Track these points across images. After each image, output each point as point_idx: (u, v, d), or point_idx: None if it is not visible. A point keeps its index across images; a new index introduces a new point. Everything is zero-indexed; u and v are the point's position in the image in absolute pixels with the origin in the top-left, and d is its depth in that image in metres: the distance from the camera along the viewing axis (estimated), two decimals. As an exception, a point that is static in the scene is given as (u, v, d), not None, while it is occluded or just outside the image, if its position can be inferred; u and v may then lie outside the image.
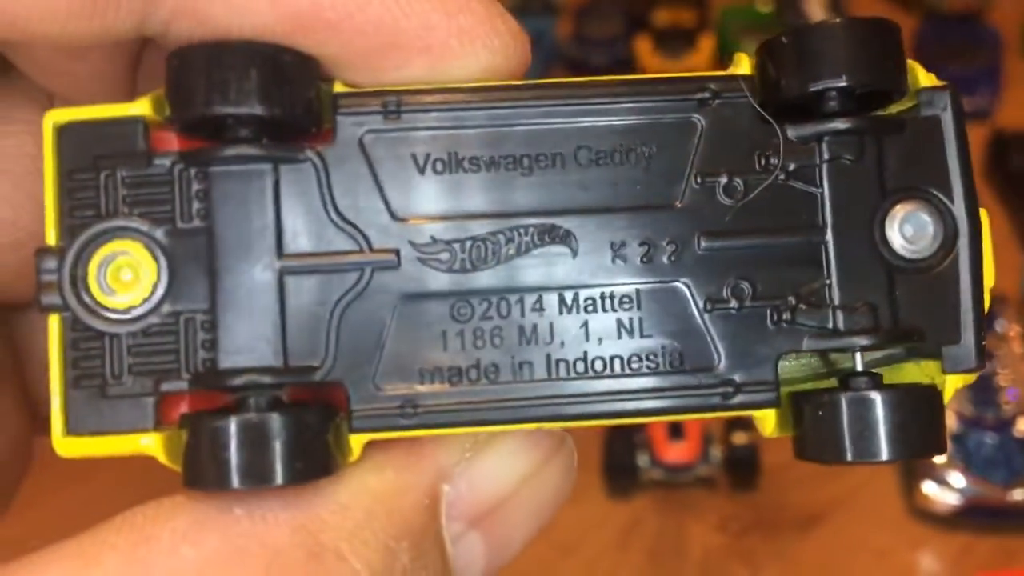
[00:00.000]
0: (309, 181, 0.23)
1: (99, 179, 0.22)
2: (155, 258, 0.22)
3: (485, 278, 0.23)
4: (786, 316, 0.23)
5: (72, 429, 0.22)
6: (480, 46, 0.23)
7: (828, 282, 0.23)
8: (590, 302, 0.23)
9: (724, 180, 0.23)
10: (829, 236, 0.23)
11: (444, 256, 0.23)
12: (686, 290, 0.23)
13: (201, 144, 0.22)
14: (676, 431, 0.71)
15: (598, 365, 0.23)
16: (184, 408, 0.22)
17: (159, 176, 0.22)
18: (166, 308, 0.22)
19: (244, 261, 0.22)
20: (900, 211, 0.24)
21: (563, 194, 0.23)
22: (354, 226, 0.23)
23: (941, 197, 0.24)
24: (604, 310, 0.23)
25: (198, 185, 0.22)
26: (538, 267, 0.23)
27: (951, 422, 0.71)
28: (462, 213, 0.23)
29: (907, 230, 0.24)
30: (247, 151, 0.22)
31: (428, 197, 0.23)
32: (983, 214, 0.24)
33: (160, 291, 0.22)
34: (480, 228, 0.23)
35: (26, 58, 0.25)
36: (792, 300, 0.23)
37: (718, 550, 0.72)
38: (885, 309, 0.23)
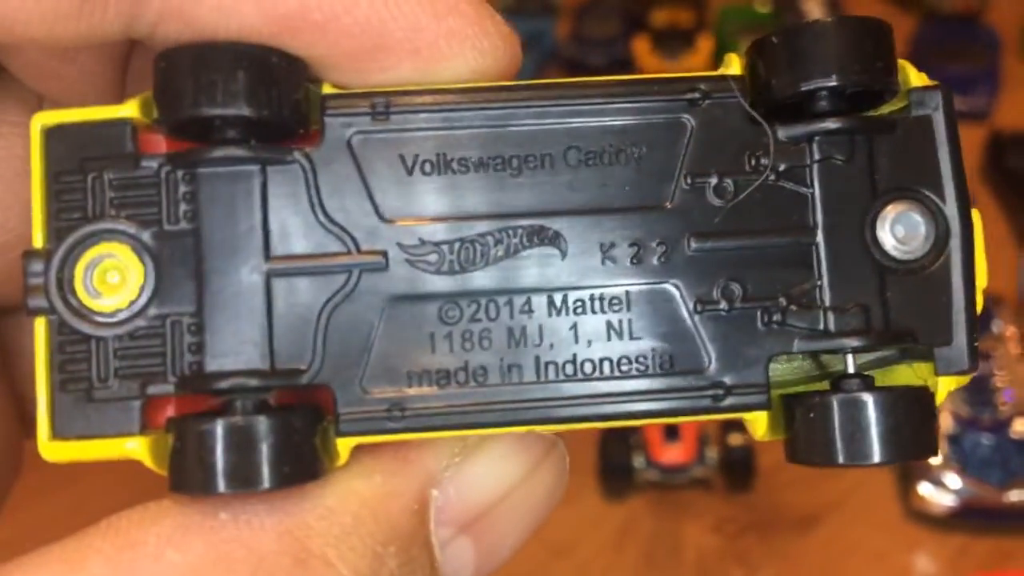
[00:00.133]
0: (297, 183, 0.22)
1: (86, 181, 0.22)
2: (142, 261, 0.22)
3: (474, 280, 0.23)
4: (777, 317, 0.23)
5: (58, 433, 0.21)
6: (469, 48, 0.23)
7: (819, 283, 0.23)
8: (579, 304, 0.23)
9: (714, 181, 0.23)
10: (820, 237, 0.23)
11: (432, 258, 0.23)
12: (676, 291, 0.23)
13: (189, 146, 0.22)
14: (672, 432, 0.71)
15: (588, 367, 0.23)
16: (170, 412, 0.22)
17: (146, 178, 0.22)
18: (153, 311, 0.22)
19: (231, 263, 0.22)
20: (891, 211, 0.24)
21: (553, 195, 0.23)
22: (342, 228, 0.22)
23: (933, 197, 0.24)
24: (594, 312, 0.23)
25: (185, 187, 0.22)
26: (527, 269, 0.23)
27: (947, 423, 0.71)
28: (451, 215, 0.23)
29: (898, 231, 0.23)
30: (235, 152, 0.22)
31: (417, 199, 0.23)
32: (975, 214, 0.24)
33: (147, 294, 0.22)
34: (469, 230, 0.23)
35: (15, 60, 0.25)
36: (783, 301, 0.23)
37: (714, 551, 0.71)
38: (877, 310, 0.23)
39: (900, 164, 0.24)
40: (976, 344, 0.23)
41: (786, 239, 0.23)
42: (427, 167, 0.23)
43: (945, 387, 0.23)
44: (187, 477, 0.21)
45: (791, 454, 0.24)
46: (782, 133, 0.23)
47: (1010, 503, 0.69)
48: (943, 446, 0.70)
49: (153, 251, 0.22)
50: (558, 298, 0.23)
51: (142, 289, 0.22)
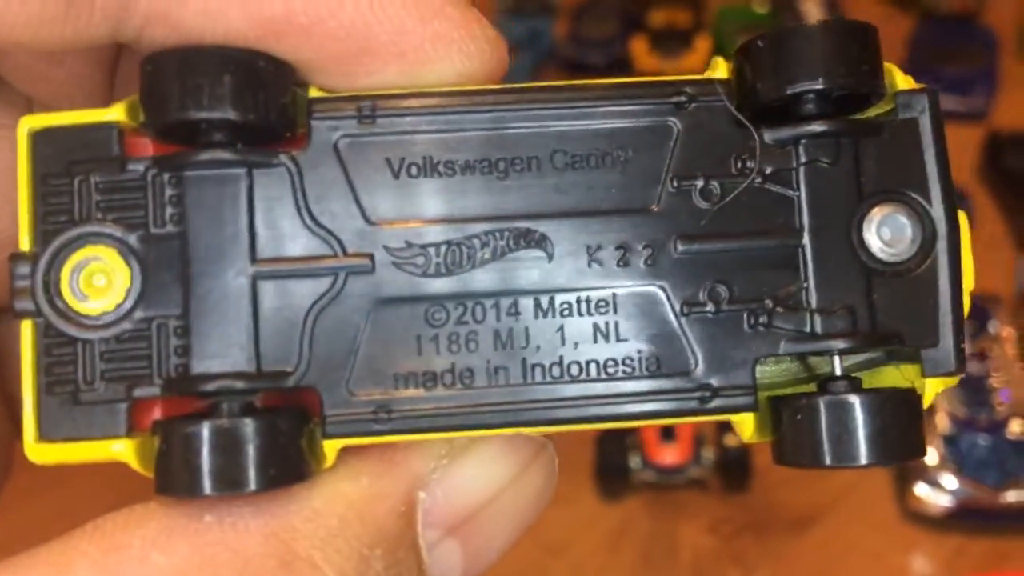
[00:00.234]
0: (283, 186, 0.22)
1: (73, 184, 0.22)
2: (128, 264, 0.22)
3: (460, 283, 0.23)
4: (763, 320, 0.23)
5: (44, 435, 0.22)
6: (455, 51, 0.23)
7: (805, 285, 0.23)
8: (566, 306, 0.23)
9: (700, 184, 0.23)
10: (806, 239, 0.23)
11: (419, 261, 0.23)
12: (662, 294, 0.23)
13: (176, 150, 0.22)
14: (668, 433, 0.71)
15: (574, 370, 0.23)
16: (157, 414, 0.22)
17: (133, 181, 0.22)
18: (139, 314, 0.22)
19: (217, 266, 0.22)
20: (878, 214, 0.24)
21: (539, 198, 0.23)
22: (328, 231, 0.23)
23: (919, 200, 0.24)
24: (580, 314, 0.23)
25: (172, 190, 0.22)
26: (514, 271, 0.23)
27: (943, 424, 0.71)
28: (438, 218, 0.23)
29: (885, 233, 0.24)
30: (221, 156, 0.22)
31: (403, 202, 0.23)
32: (962, 217, 0.24)
33: (133, 297, 0.22)
34: (456, 232, 0.23)
35: (3, 63, 0.25)
36: (769, 303, 0.23)
37: (710, 552, 0.71)
38: (863, 312, 0.23)
39: (886, 167, 0.24)
40: (963, 346, 0.23)
41: (772, 241, 0.23)
42: (414, 170, 0.23)
43: (932, 389, 0.23)
44: (173, 479, 0.21)
45: (778, 456, 0.24)
46: (768, 136, 0.23)
47: (1006, 504, 0.69)
48: (939, 447, 0.70)
49: (139, 254, 0.22)
50: (544, 300, 0.23)
51: (128, 292, 0.22)
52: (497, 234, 0.23)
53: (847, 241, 0.23)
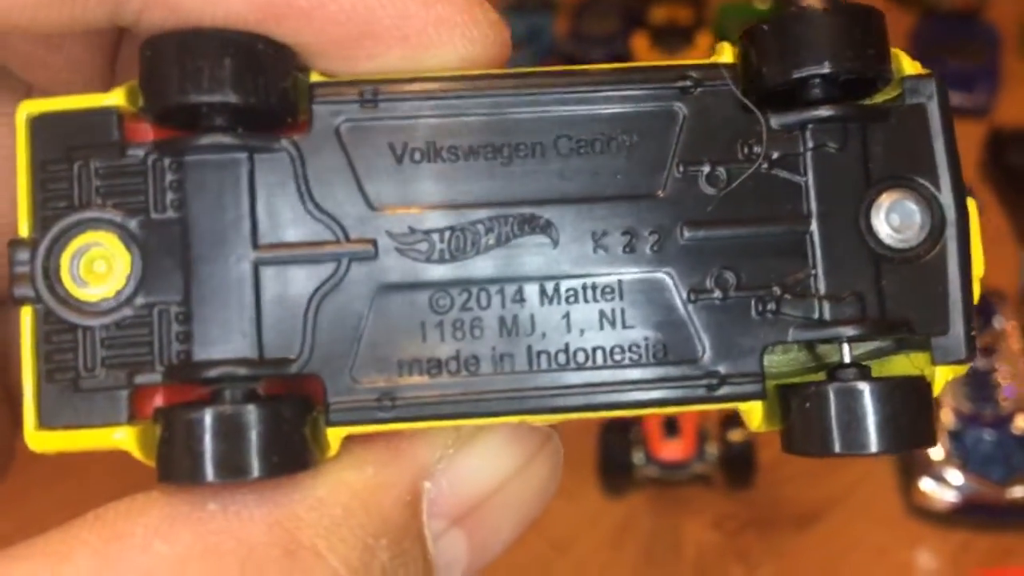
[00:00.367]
0: (285, 171, 0.22)
1: (72, 170, 0.22)
2: (129, 249, 0.22)
3: (465, 269, 0.23)
4: (771, 306, 0.23)
5: (44, 423, 0.21)
6: (458, 36, 0.23)
7: (813, 272, 0.23)
8: (572, 293, 0.23)
9: (707, 169, 0.23)
10: (814, 225, 0.23)
11: (422, 246, 0.22)
12: (669, 280, 0.23)
13: (176, 135, 0.22)
14: (671, 428, 0.71)
15: (580, 357, 0.23)
16: (158, 402, 0.22)
17: (133, 167, 0.22)
18: (140, 300, 0.22)
19: (219, 252, 0.22)
20: (886, 200, 0.23)
21: (543, 183, 0.23)
22: (331, 216, 0.22)
23: (928, 186, 0.23)
24: (586, 301, 0.23)
25: (172, 176, 0.22)
26: (519, 257, 0.23)
27: (949, 419, 0.71)
28: (441, 203, 0.23)
29: (893, 219, 0.23)
30: (222, 140, 0.22)
31: (406, 187, 0.23)
32: (971, 203, 0.23)
33: (134, 283, 0.22)
34: (459, 218, 0.23)
35: (5, 50, 0.25)
36: (777, 290, 0.23)
37: (714, 548, 0.71)
38: (872, 299, 0.23)
39: (894, 152, 0.23)
40: (973, 333, 0.23)
41: (780, 228, 0.23)
42: (417, 155, 0.23)
43: (943, 377, 0.23)
44: (175, 467, 0.21)
45: (787, 444, 0.23)
46: (775, 121, 0.23)
47: (1012, 499, 0.69)
48: (945, 442, 0.70)
49: (140, 240, 0.22)
50: (550, 287, 0.23)
51: (129, 278, 0.22)
52: (501, 220, 0.23)
53: (855, 227, 0.23)
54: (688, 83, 0.23)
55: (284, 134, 0.22)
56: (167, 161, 0.22)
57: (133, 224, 0.22)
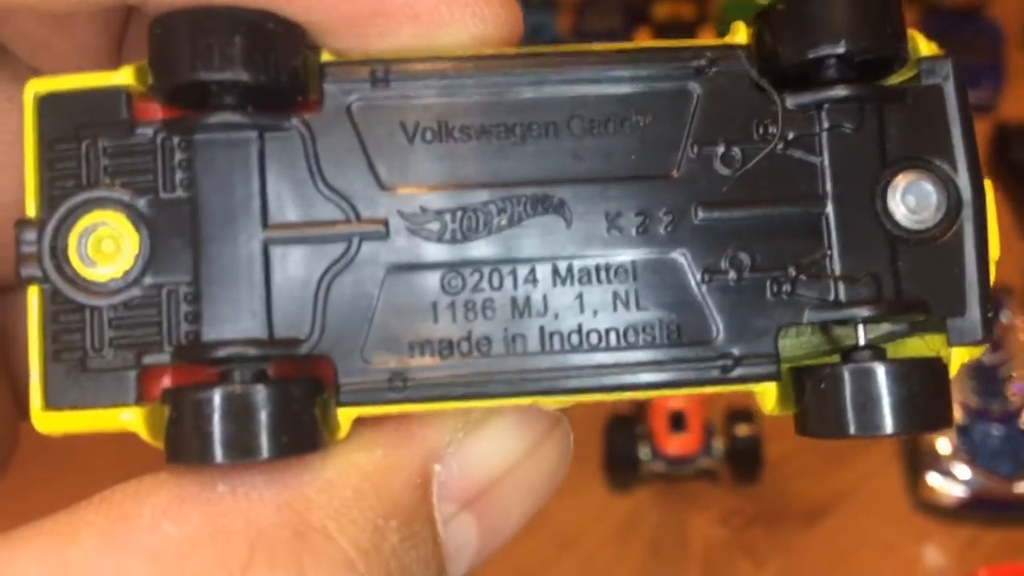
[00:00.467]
0: (295, 150, 0.22)
1: (80, 149, 0.22)
2: (137, 229, 0.22)
3: (476, 249, 0.22)
4: (786, 288, 0.23)
5: (51, 403, 0.21)
6: (470, 14, 0.22)
7: (829, 253, 0.23)
8: (585, 273, 0.23)
9: (721, 150, 0.23)
10: (829, 206, 0.23)
11: (434, 226, 0.22)
12: (683, 261, 0.23)
13: (185, 113, 0.22)
14: (677, 423, 0.70)
15: (593, 338, 0.22)
16: (167, 383, 0.22)
17: (142, 146, 0.22)
18: (148, 280, 0.22)
19: (228, 231, 0.22)
20: (902, 181, 0.23)
21: (556, 163, 0.23)
22: (341, 196, 0.22)
23: (944, 167, 0.23)
24: (599, 282, 0.23)
25: (181, 154, 0.22)
26: (531, 238, 0.22)
27: (957, 414, 0.71)
28: (453, 183, 0.22)
29: (910, 200, 0.23)
30: (232, 118, 0.21)
31: (418, 166, 0.22)
32: (987, 184, 0.23)
33: (142, 263, 0.22)
34: (471, 198, 0.22)
35: (8, 31, 0.25)
36: (792, 271, 0.23)
37: (720, 544, 0.71)
38: (888, 280, 0.23)
39: (910, 133, 0.23)
40: (990, 314, 0.23)
41: (795, 208, 0.23)
42: (428, 135, 0.22)
43: (959, 358, 0.23)
44: (184, 447, 0.20)
45: (801, 427, 0.23)
46: (790, 101, 0.23)
47: (1020, 494, 0.69)
48: (952, 437, 0.70)
49: (148, 219, 0.22)
50: (563, 267, 0.22)
51: (137, 258, 0.22)
52: (514, 200, 0.22)
53: (871, 208, 0.23)
54: (703, 63, 0.23)
55: (295, 113, 0.22)
56: (176, 140, 0.22)
57: (142, 203, 0.22)
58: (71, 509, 0.20)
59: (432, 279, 0.22)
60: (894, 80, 0.24)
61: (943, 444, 0.70)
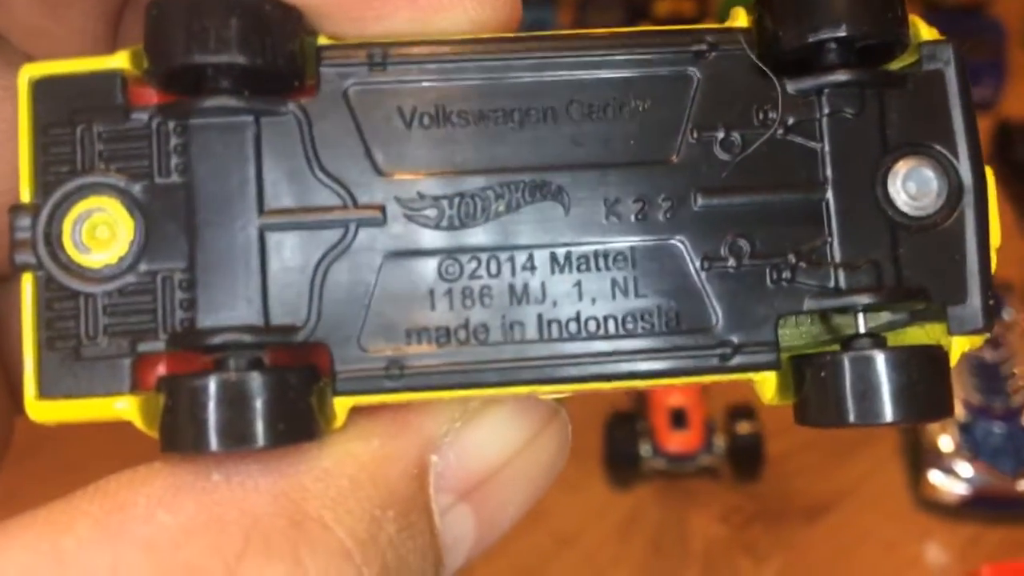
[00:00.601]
0: (291, 135, 0.22)
1: (75, 134, 0.21)
2: (132, 215, 0.21)
3: (474, 235, 0.22)
4: (786, 275, 0.22)
5: (45, 392, 0.21)
6: None
7: (829, 240, 0.23)
8: (583, 260, 0.22)
9: (721, 135, 0.23)
10: (830, 192, 0.23)
11: (431, 212, 0.22)
12: (682, 248, 0.22)
13: (180, 98, 0.22)
14: (678, 420, 0.70)
15: (591, 326, 0.22)
16: (161, 371, 0.21)
17: (137, 131, 0.22)
18: (143, 266, 0.21)
19: (224, 217, 0.21)
20: (903, 167, 0.23)
21: (555, 149, 0.22)
22: (338, 181, 0.22)
23: (945, 153, 0.23)
24: (598, 269, 0.22)
25: (177, 139, 0.21)
26: (529, 224, 0.22)
27: (959, 411, 0.71)
28: (450, 168, 0.22)
29: (910, 187, 0.23)
30: (228, 103, 0.21)
31: (415, 152, 0.22)
32: (988, 171, 0.23)
33: (137, 249, 0.21)
34: (469, 184, 0.22)
35: (4, 17, 0.24)
36: (792, 258, 0.23)
37: (721, 541, 0.71)
38: (888, 267, 0.22)
39: (911, 119, 0.23)
40: (991, 302, 0.23)
41: (795, 194, 0.23)
42: (426, 120, 0.22)
43: (959, 347, 0.23)
44: (179, 436, 0.20)
45: (801, 416, 0.23)
46: (791, 86, 0.23)
47: (1022, 492, 0.69)
48: (954, 434, 0.69)
49: (143, 205, 0.21)
50: (561, 254, 0.22)
51: (132, 244, 0.21)
52: (512, 186, 0.22)
53: (872, 194, 0.23)
54: (703, 47, 0.23)
55: (291, 98, 0.22)
56: (172, 125, 0.21)
57: (137, 189, 0.21)
58: (66, 499, 0.20)
59: (429, 266, 0.22)
60: (895, 65, 0.23)
61: (945, 441, 0.70)
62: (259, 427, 0.20)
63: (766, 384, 0.23)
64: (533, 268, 0.22)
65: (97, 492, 0.20)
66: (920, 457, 0.71)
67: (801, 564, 0.70)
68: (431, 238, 0.22)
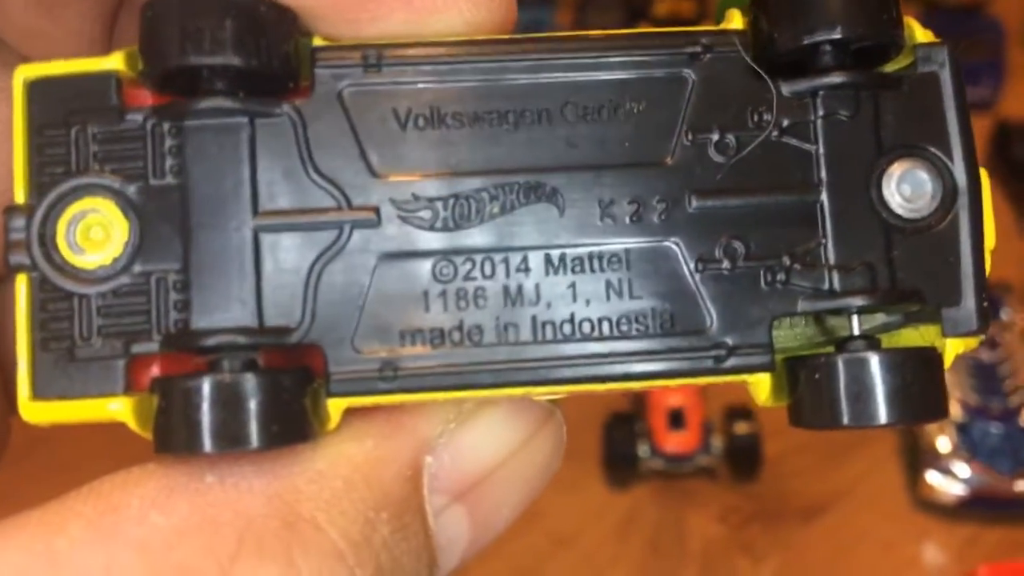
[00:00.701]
0: (286, 136, 0.22)
1: (70, 135, 0.21)
2: (127, 216, 0.21)
3: (469, 237, 0.22)
4: (780, 277, 0.23)
5: (39, 393, 0.21)
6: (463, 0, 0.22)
7: (823, 242, 0.23)
8: (577, 262, 0.22)
9: (716, 137, 0.23)
10: (824, 194, 0.23)
11: (426, 214, 0.22)
12: (677, 250, 0.22)
13: (175, 99, 0.22)
14: (676, 421, 0.70)
15: (586, 327, 0.22)
16: (155, 372, 0.21)
17: (131, 132, 0.22)
18: (137, 268, 0.21)
19: (218, 219, 0.21)
20: (897, 169, 0.23)
21: (550, 151, 0.22)
22: (333, 183, 0.22)
23: (940, 155, 0.23)
24: (592, 270, 0.22)
25: (171, 141, 0.21)
26: (524, 226, 0.22)
27: (956, 411, 0.71)
28: (445, 170, 0.22)
29: (905, 189, 0.23)
30: (222, 104, 0.21)
31: (410, 153, 0.22)
32: (983, 173, 0.23)
33: (131, 250, 0.21)
34: (464, 185, 0.22)
35: (-1, 20, 0.24)
36: (786, 260, 0.23)
37: (719, 541, 0.71)
38: (883, 269, 0.23)
39: (906, 121, 0.23)
40: (986, 304, 0.23)
41: (790, 197, 0.23)
42: (420, 121, 0.22)
43: (953, 349, 0.23)
44: (172, 437, 0.20)
45: (795, 418, 0.23)
46: (785, 88, 0.23)
47: (1020, 492, 0.69)
48: (952, 434, 0.70)
49: (138, 206, 0.21)
50: (556, 256, 0.22)
51: (126, 245, 0.21)
52: (506, 188, 0.22)
53: (866, 197, 0.23)
54: (698, 49, 0.23)
55: (286, 99, 0.22)
56: (166, 126, 0.22)
57: (131, 190, 0.21)
58: (59, 500, 0.20)
59: (424, 267, 0.22)
60: (890, 67, 0.23)
61: (943, 442, 0.70)
62: (253, 428, 0.20)
63: (760, 386, 0.23)
64: (528, 270, 0.22)
65: (91, 493, 0.20)
66: (918, 457, 0.71)
67: (799, 564, 0.70)
68: (426, 239, 0.22)
